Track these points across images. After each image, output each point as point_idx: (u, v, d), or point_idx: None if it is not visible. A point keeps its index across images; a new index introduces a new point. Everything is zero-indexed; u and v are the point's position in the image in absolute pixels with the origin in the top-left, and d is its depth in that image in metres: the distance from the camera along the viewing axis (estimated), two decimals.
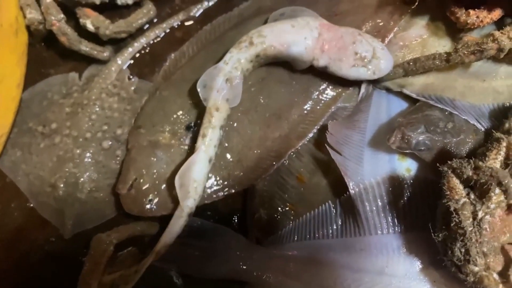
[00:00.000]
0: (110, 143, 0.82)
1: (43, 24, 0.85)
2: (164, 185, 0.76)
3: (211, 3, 0.91)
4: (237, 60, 0.73)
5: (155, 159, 0.77)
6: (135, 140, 0.80)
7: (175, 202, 0.73)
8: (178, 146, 0.78)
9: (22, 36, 0.86)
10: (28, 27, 0.87)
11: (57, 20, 0.83)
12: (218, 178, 0.77)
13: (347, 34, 0.73)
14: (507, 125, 0.65)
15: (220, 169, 0.77)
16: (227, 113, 0.74)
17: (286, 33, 0.73)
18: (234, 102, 0.74)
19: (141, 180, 0.76)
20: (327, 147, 0.73)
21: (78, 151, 0.81)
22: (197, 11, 0.91)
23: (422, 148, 0.68)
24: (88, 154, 0.81)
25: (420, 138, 0.68)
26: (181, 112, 0.80)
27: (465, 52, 0.69)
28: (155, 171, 0.76)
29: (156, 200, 0.75)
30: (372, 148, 0.74)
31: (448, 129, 0.70)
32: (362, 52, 0.71)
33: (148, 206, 0.75)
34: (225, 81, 0.72)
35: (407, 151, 0.70)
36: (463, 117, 0.72)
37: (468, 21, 0.71)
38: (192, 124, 0.79)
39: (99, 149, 0.82)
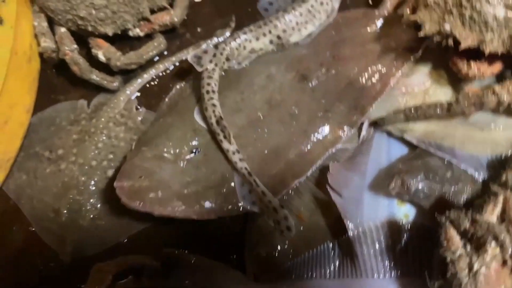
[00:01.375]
0: (115, 172, 0.83)
1: (56, 52, 0.88)
2: (166, 190, 0.75)
3: (220, 39, 0.93)
4: None
5: (159, 168, 0.77)
6: (138, 152, 0.79)
7: (173, 203, 0.74)
8: (182, 165, 0.78)
9: (34, 63, 0.88)
10: (41, 54, 0.89)
11: (70, 50, 0.86)
12: (212, 201, 0.77)
13: None
14: (504, 177, 0.67)
15: (215, 195, 0.77)
16: None
17: None
18: None
19: (146, 179, 0.76)
20: (328, 188, 0.74)
21: (83, 178, 0.82)
22: (206, 46, 0.92)
23: (421, 195, 0.70)
24: (92, 182, 0.82)
25: (419, 186, 0.70)
26: (183, 138, 0.80)
27: (466, 104, 0.71)
28: (159, 177, 0.76)
29: (156, 197, 0.75)
30: (371, 191, 0.75)
31: (447, 177, 0.72)
32: None
33: (147, 201, 0.74)
34: None
35: (406, 197, 0.71)
36: (462, 167, 0.74)
37: (470, 73, 0.74)
38: (195, 150, 0.80)
39: (104, 178, 0.83)
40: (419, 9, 0.76)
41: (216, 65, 0.82)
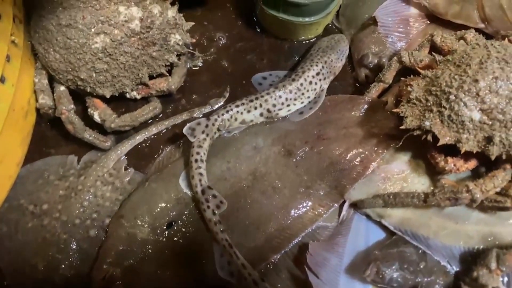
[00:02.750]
0: (97, 232, 0.84)
1: (53, 109, 0.90)
2: (136, 279, 0.78)
3: (214, 108, 0.96)
4: None
5: (131, 253, 0.79)
6: (115, 229, 0.83)
7: None
8: (155, 242, 0.80)
9: (30, 118, 0.90)
10: (37, 109, 0.91)
11: (67, 110, 0.88)
12: (188, 279, 0.78)
13: None
14: (475, 273, 0.70)
15: (191, 270, 0.79)
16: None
17: None
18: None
19: (114, 272, 0.78)
20: (306, 268, 0.76)
21: (64, 236, 0.82)
22: (199, 113, 0.95)
23: (395, 284, 0.72)
24: (73, 241, 0.82)
25: (393, 275, 0.72)
26: (165, 207, 0.83)
27: (441, 197, 0.75)
28: (129, 264, 0.79)
29: None
30: (348, 274, 0.77)
31: (420, 268, 0.74)
32: None
33: None
34: None
35: (380, 285, 0.73)
36: (435, 257, 0.76)
37: (446, 168, 0.77)
38: (173, 222, 0.81)
39: (86, 237, 0.83)
40: (402, 102, 0.81)
41: (207, 135, 0.85)
